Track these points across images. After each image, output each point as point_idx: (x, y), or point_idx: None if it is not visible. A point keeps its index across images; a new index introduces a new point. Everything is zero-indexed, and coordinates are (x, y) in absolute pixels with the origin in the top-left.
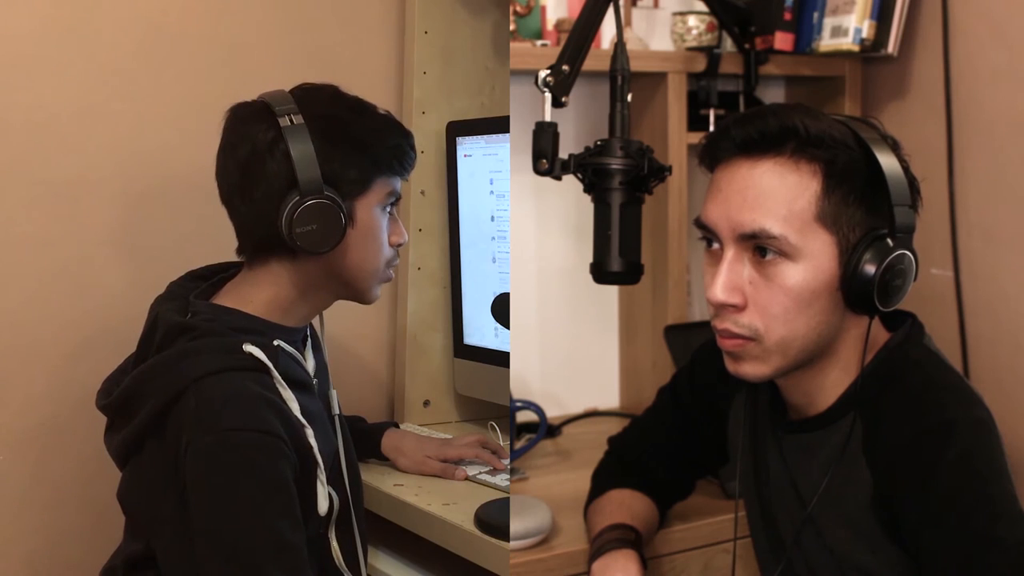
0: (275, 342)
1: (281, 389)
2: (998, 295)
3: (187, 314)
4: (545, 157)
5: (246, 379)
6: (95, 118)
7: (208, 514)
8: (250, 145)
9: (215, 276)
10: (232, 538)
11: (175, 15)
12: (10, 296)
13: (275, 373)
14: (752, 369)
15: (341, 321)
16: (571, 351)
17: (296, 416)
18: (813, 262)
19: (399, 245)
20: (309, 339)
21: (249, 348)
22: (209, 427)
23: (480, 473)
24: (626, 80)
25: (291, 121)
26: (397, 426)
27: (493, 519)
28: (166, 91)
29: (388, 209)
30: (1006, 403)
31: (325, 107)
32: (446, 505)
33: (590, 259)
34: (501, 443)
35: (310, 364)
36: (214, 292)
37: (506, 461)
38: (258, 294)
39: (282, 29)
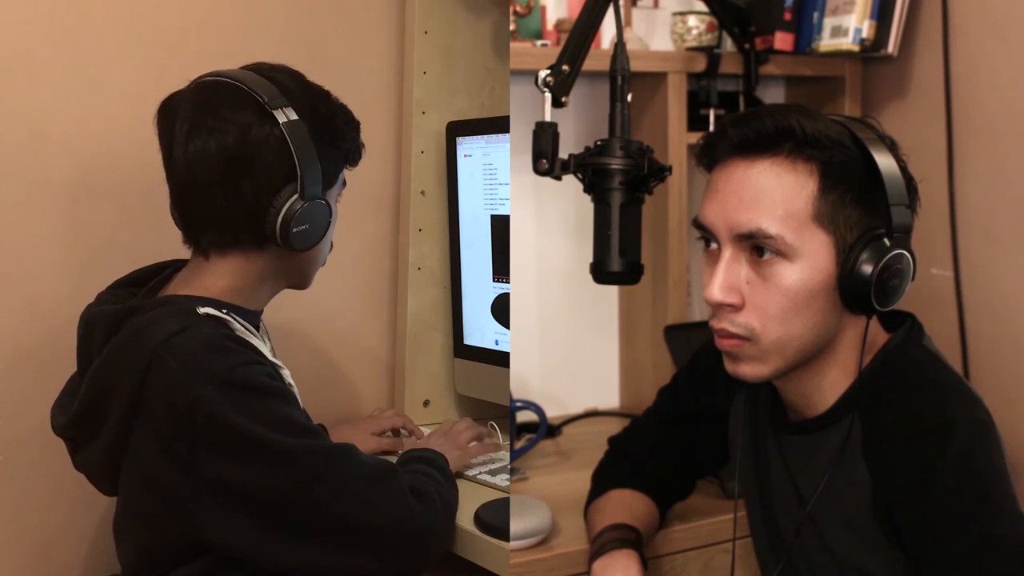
0: (223, 310)
1: (248, 337)
2: (998, 295)
3: None
4: (545, 157)
5: (212, 330)
6: (95, 118)
7: (249, 451)
8: (238, 133)
9: (150, 280)
10: (293, 453)
11: (175, 16)
12: (10, 296)
13: (236, 325)
14: (750, 370)
15: (341, 320)
16: (571, 351)
17: (270, 357)
18: (810, 262)
19: None
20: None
21: (204, 310)
22: (205, 378)
23: (480, 473)
24: (626, 80)
25: (286, 116)
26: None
27: (493, 519)
28: (166, 92)
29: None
30: (1006, 403)
31: (306, 98)
32: None
33: (590, 259)
34: (501, 443)
35: (266, 349)
36: (155, 295)
37: (504, 459)
38: (215, 283)
39: (282, 29)
